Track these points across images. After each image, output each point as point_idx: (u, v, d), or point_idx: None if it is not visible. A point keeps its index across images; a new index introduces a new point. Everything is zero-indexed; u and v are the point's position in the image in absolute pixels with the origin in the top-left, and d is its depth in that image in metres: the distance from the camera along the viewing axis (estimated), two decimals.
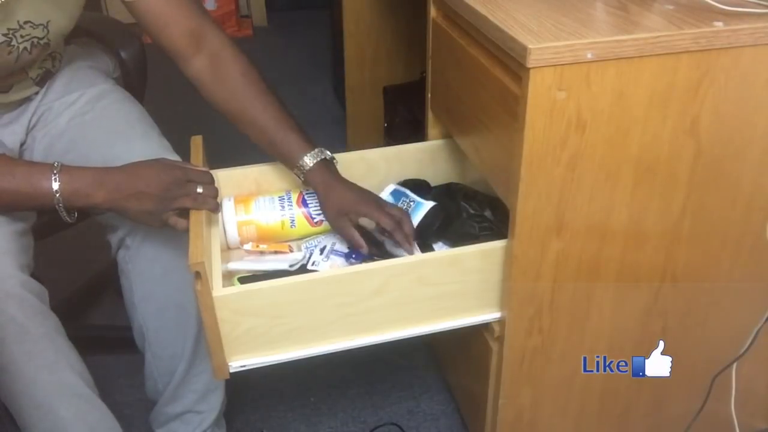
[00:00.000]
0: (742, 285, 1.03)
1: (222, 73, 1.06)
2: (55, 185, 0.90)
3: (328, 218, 1.06)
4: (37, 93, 1.11)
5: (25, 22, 0.97)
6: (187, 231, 0.92)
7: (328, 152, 1.07)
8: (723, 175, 0.92)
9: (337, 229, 1.05)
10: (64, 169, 0.92)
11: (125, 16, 1.09)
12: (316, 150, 1.05)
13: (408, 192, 1.15)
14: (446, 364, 1.39)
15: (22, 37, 0.97)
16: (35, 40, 0.99)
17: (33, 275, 0.98)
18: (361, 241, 1.02)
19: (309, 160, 1.04)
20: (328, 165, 1.06)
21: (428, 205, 1.12)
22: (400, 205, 1.13)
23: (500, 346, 1.00)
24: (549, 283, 0.94)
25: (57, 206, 0.92)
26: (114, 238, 1.11)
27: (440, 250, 1.09)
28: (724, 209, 0.95)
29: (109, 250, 1.13)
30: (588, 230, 0.91)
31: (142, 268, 1.10)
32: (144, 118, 1.16)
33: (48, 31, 1.00)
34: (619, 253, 0.95)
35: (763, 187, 0.95)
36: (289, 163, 1.06)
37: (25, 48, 0.99)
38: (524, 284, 0.94)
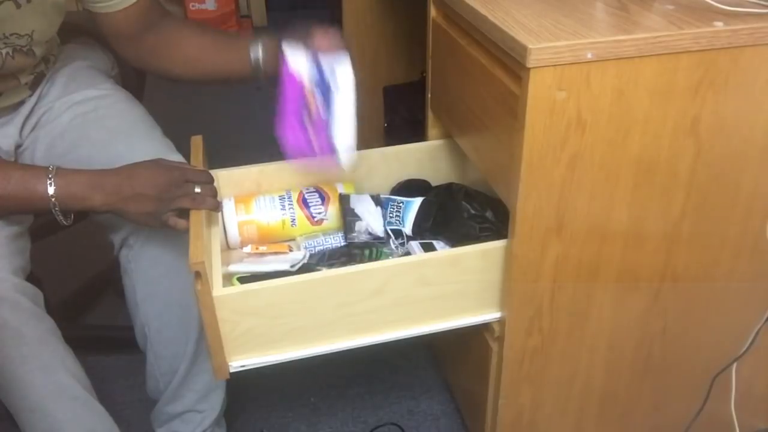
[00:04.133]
0: (742, 285, 1.03)
1: (166, 39, 1.07)
2: (51, 189, 0.90)
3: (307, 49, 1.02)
4: (30, 96, 1.11)
5: (11, 34, 0.97)
6: (187, 231, 0.92)
7: (270, 39, 1.06)
8: (723, 175, 0.92)
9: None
10: (60, 173, 0.91)
11: None
12: (262, 37, 1.05)
13: (393, 197, 1.16)
14: (446, 364, 1.39)
15: (5, 44, 0.97)
16: (18, 46, 0.99)
17: (31, 276, 0.98)
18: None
19: (256, 50, 1.04)
20: (279, 47, 1.03)
21: (418, 200, 1.12)
22: (390, 209, 1.13)
23: (500, 346, 1.00)
24: (549, 283, 0.94)
25: (53, 210, 0.91)
26: (116, 238, 1.10)
27: (441, 249, 1.09)
28: (724, 209, 0.95)
29: (111, 249, 1.13)
30: (588, 230, 0.91)
31: (145, 267, 1.10)
32: (146, 118, 1.16)
33: (32, 39, 1.00)
34: (619, 252, 0.95)
35: (763, 187, 0.95)
36: (247, 68, 1.06)
37: (8, 53, 0.99)
38: (524, 284, 0.94)
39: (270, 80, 1.05)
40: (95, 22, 1.06)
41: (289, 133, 0.97)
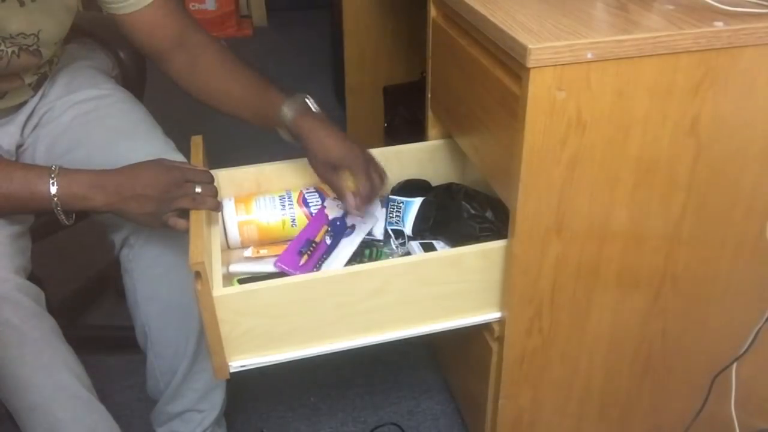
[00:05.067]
0: (742, 285, 1.03)
1: (199, 63, 1.07)
2: (53, 189, 0.90)
3: (315, 168, 1.05)
4: (32, 96, 1.11)
5: (18, 34, 0.97)
6: (187, 231, 0.92)
7: (310, 99, 1.06)
8: (723, 175, 0.92)
9: (326, 182, 1.05)
10: (62, 173, 0.91)
11: None
12: (295, 97, 1.04)
13: (393, 197, 1.16)
14: (446, 364, 1.39)
15: (11, 43, 0.97)
16: (24, 46, 0.99)
17: (32, 276, 0.98)
18: (352, 200, 1.01)
19: (288, 111, 1.03)
20: (308, 111, 1.04)
21: (418, 200, 1.12)
22: (390, 209, 1.13)
23: (500, 346, 1.00)
24: (549, 283, 0.94)
25: (55, 210, 0.91)
26: (117, 237, 1.11)
27: (442, 249, 1.09)
28: (724, 209, 0.95)
29: (112, 249, 1.13)
30: (588, 230, 0.91)
31: (146, 267, 1.10)
32: (147, 117, 1.16)
33: (38, 39, 1.00)
34: (619, 253, 0.95)
35: (763, 188, 0.95)
36: (274, 121, 1.05)
37: (13, 52, 0.99)
38: (524, 284, 0.94)
39: (292, 138, 1.06)
40: (124, 33, 1.06)
41: (287, 253, 1.04)
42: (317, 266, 1.03)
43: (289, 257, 1.03)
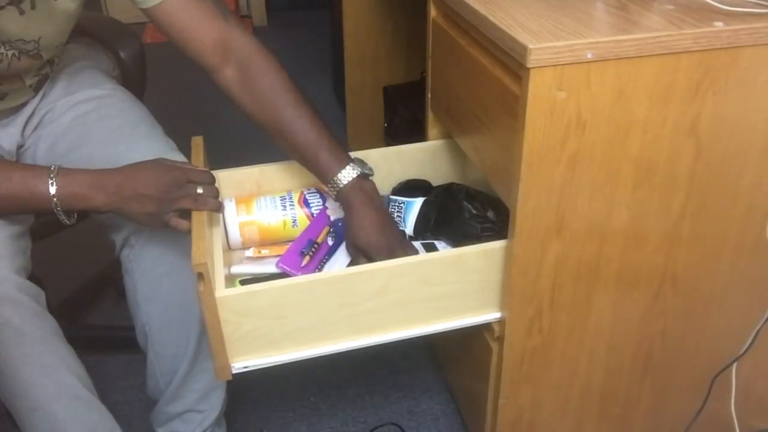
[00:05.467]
0: (742, 285, 1.03)
1: (251, 83, 1.03)
2: (53, 189, 0.90)
3: (346, 242, 1.05)
4: (33, 97, 1.11)
5: (17, 40, 0.97)
6: (188, 232, 0.92)
7: (365, 166, 1.04)
8: (723, 175, 0.92)
9: (351, 257, 1.04)
10: (62, 173, 0.91)
11: (125, 16, 1.09)
12: (349, 167, 1.01)
13: (394, 197, 1.16)
14: (446, 364, 1.39)
15: (11, 46, 0.97)
16: (25, 50, 0.99)
17: (32, 276, 0.98)
18: None
19: (343, 178, 1.00)
20: (361, 185, 1.02)
21: (419, 201, 1.12)
22: (391, 209, 1.13)
23: (500, 346, 1.01)
24: (549, 283, 0.95)
25: (55, 210, 0.91)
26: (118, 237, 1.11)
27: (443, 249, 1.10)
28: (725, 209, 0.95)
29: (113, 249, 1.13)
30: (588, 230, 0.92)
31: (147, 267, 1.10)
32: (147, 117, 1.16)
33: (38, 45, 1.00)
34: (619, 253, 0.95)
35: (763, 187, 0.95)
36: (323, 179, 1.03)
37: (13, 54, 0.99)
38: (524, 284, 0.94)
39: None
40: (170, 37, 1.02)
41: (288, 254, 1.04)
42: (319, 267, 1.03)
43: (291, 258, 1.03)
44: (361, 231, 1.00)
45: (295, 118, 1.02)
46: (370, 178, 1.04)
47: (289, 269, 1.01)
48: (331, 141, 1.03)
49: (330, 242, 1.06)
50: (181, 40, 1.02)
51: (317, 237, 1.06)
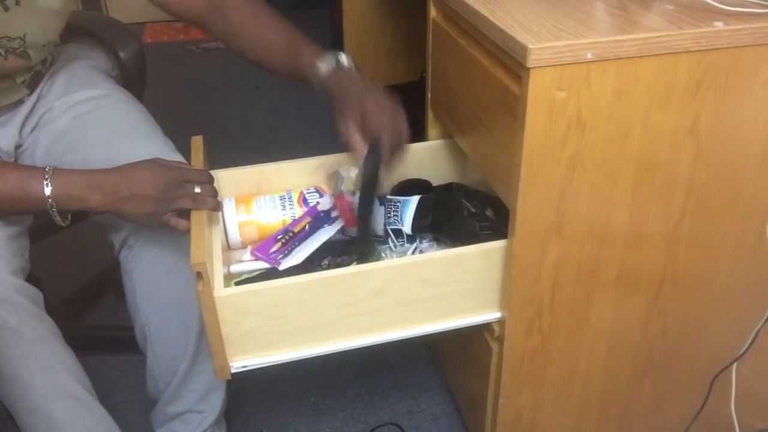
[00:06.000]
0: (741, 285, 1.03)
1: (235, 25, 1.07)
2: (47, 190, 0.90)
3: (338, 123, 0.98)
4: (29, 95, 1.11)
5: (2, 37, 0.97)
6: (187, 232, 0.92)
7: (344, 56, 1.04)
8: (723, 175, 0.92)
9: (345, 136, 0.97)
10: (57, 173, 0.91)
11: (125, 16, 1.10)
12: (330, 53, 1.03)
13: (390, 196, 1.16)
14: (446, 364, 1.39)
15: None
16: (11, 48, 0.99)
17: (31, 276, 0.98)
18: (357, 144, 0.95)
19: (323, 65, 1.02)
20: (344, 68, 1.02)
21: (415, 198, 1.12)
22: (387, 209, 1.13)
23: (500, 346, 1.00)
24: (549, 283, 0.95)
25: (50, 211, 0.91)
26: (117, 238, 1.10)
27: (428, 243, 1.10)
28: (724, 209, 0.95)
29: (111, 249, 1.13)
30: (588, 230, 0.91)
31: (145, 267, 1.10)
32: (146, 117, 1.16)
33: (24, 42, 1.00)
34: (619, 253, 0.95)
35: (763, 188, 0.95)
36: (308, 75, 1.04)
37: (0, 54, 0.98)
38: (524, 284, 0.94)
39: (323, 95, 1.04)
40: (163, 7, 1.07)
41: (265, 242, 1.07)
42: (286, 253, 1.03)
43: (265, 245, 1.04)
44: (352, 94, 0.97)
45: (272, 31, 1.07)
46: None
47: (260, 255, 1.03)
48: (307, 41, 1.06)
49: (307, 230, 1.07)
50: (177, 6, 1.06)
51: (295, 227, 1.07)
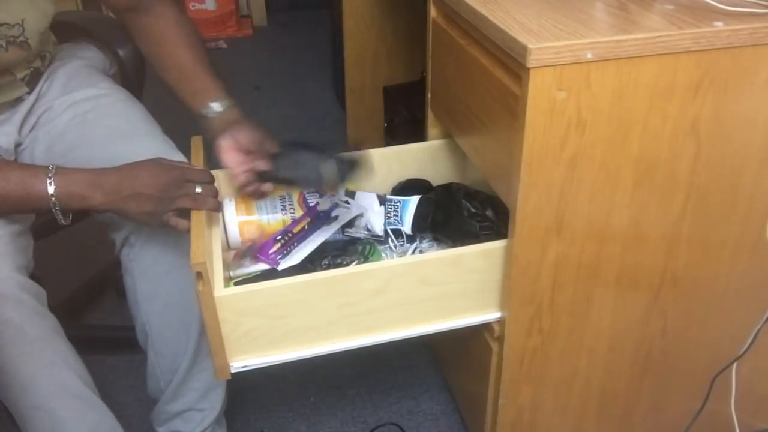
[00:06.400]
0: (741, 285, 1.03)
1: (155, 27, 1.09)
2: (51, 189, 0.90)
3: (223, 153, 1.07)
4: (28, 93, 1.11)
5: (2, 24, 0.97)
6: (188, 231, 0.92)
7: (231, 101, 1.09)
8: (723, 175, 0.92)
9: (227, 162, 1.06)
10: (60, 172, 0.91)
11: None
12: (227, 101, 1.08)
13: (390, 197, 1.16)
14: (446, 364, 1.39)
15: None
16: (11, 38, 0.99)
17: (33, 275, 0.98)
18: (233, 162, 1.05)
19: (220, 106, 1.07)
20: (230, 110, 1.08)
21: (415, 198, 1.12)
22: (387, 209, 1.13)
23: (500, 346, 1.01)
24: (549, 283, 0.95)
25: (53, 209, 0.91)
26: (118, 237, 1.11)
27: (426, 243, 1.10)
28: (724, 209, 0.95)
29: (113, 248, 1.13)
30: (588, 230, 0.91)
31: (147, 266, 1.10)
32: (146, 116, 1.16)
33: (24, 29, 1.00)
34: (619, 253, 0.95)
35: (763, 188, 0.95)
36: (203, 104, 1.08)
37: (1, 45, 0.98)
38: (524, 284, 0.94)
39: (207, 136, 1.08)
40: None
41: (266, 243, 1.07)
42: (286, 253, 1.03)
43: (265, 247, 1.04)
44: (245, 131, 1.05)
45: (185, 48, 1.09)
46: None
47: (260, 257, 1.03)
48: (216, 77, 1.09)
49: (306, 230, 1.08)
50: None
51: (295, 227, 1.07)
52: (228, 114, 1.07)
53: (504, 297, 0.98)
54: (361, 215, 1.11)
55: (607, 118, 0.84)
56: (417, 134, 1.33)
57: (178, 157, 1.08)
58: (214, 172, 1.05)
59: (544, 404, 1.08)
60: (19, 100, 1.11)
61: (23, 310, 0.92)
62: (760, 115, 0.89)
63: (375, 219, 1.12)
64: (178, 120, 1.12)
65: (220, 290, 0.89)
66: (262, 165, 1.05)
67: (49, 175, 0.90)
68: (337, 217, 1.09)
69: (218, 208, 1.00)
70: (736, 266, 1.01)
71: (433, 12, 1.12)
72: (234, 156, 1.05)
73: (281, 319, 0.92)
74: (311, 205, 1.12)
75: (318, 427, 1.34)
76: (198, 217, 0.94)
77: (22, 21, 0.99)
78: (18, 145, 1.13)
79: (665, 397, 1.13)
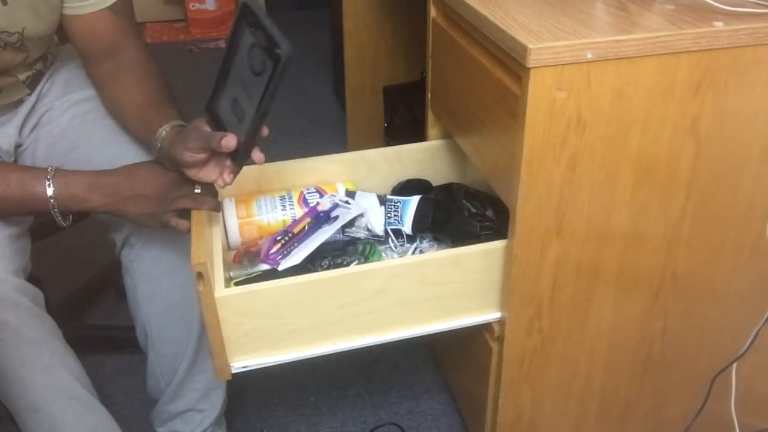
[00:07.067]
0: (742, 285, 1.03)
1: (119, 76, 1.06)
2: (50, 191, 0.90)
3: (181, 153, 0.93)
4: (29, 95, 1.11)
5: (1, 32, 0.97)
6: (188, 232, 0.92)
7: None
8: (723, 175, 0.92)
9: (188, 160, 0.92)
10: (59, 174, 0.91)
11: None
12: (176, 122, 0.98)
13: (391, 197, 1.16)
14: (446, 364, 1.39)
15: None
16: (9, 42, 0.99)
17: (32, 276, 0.98)
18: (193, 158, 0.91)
19: (163, 132, 0.96)
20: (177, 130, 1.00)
21: (415, 199, 1.12)
22: (388, 209, 1.13)
23: (500, 346, 1.01)
24: (549, 283, 0.95)
25: (52, 211, 0.91)
26: (118, 237, 1.10)
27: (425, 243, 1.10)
28: (724, 209, 0.95)
29: (113, 248, 1.13)
30: (588, 230, 0.91)
31: (147, 266, 1.10)
32: None
33: (22, 36, 1.00)
34: (619, 253, 0.95)
35: (763, 187, 0.95)
36: (151, 136, 0.98)
37: None
38: (524, 284, 0.94)
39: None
40: (68, 33, 1.05)
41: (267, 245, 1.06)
42: (286, 253, 1.03)
43: (267, 247, 1.04)
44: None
45: (145, 92, 1.04)
46: None
47: (263, 258, 1.03)
48: (169, 104, 1.02)
49: (306, 230, 1.07)
50: (81, 37, 1.04)
51: (295, 228, 1.07)
52: (172, 133, 0.97)
53: (504, 297, 0.98)
54: (361, 215, 1.11)
55: (607, 118, 0.84)
56: (417, 134, 1.32)
57: None
58: None
59: (544, 404, 1.08)
60: (19, 102, 1.11)
61: (20, 312, 0.91)
62: (760, 115, 0.89)
63: (375, 219, 1.12)
64: None
65: (221, 290, 0.89)
66: (226, 141, 0.88)
67: (48, 177, 0.90)
68: (337, 217, 1.09)
69: (218, 207, 1.00)
70: (736, 266, 1.01)
71: (433, 12, 1.12)
72: (194, 158, 0.93)
73: (282, 320, 0.92)
74: (311, 205, 1.12)
75: (318, 427, 1.34)
76: (198, 217, 0.94)
77: (22, 30, 0.99)
78: (18, 146, 1.13)
79: (665, 397, 1.13)
